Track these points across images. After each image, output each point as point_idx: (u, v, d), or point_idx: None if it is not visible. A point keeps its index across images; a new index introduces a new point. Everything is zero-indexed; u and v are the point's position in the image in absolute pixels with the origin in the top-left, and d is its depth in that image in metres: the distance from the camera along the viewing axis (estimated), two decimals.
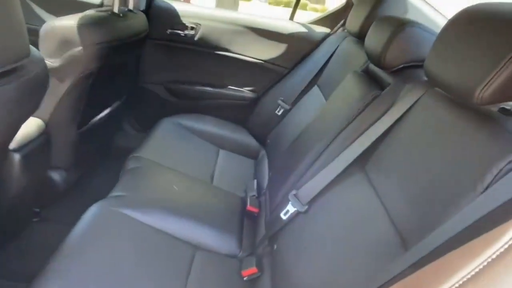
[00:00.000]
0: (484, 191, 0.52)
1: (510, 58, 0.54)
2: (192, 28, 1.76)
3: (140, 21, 1.50)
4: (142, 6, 1.69)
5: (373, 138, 0.85)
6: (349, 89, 1.16)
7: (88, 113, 1.40)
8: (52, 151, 1.28)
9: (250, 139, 1.71)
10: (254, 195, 1.27)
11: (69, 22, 1.13)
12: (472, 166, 0.57)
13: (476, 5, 0.65)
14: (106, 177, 1.33)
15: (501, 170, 0.52)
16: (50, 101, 1.18)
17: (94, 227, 0.95)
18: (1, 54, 0.68)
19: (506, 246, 0.34)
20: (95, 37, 1.18)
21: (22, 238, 1.26)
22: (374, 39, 1.10)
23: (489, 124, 0.61)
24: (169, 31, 1.76)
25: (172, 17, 1.76)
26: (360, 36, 1.35)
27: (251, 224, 1.19)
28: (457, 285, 0.35)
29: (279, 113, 1.65)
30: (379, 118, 0.88)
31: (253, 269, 0.98)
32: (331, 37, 1.74)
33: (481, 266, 0.35)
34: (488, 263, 0.35)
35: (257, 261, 1.00)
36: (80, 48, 1.14)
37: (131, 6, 1.51)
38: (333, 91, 1.26)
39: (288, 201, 0.98)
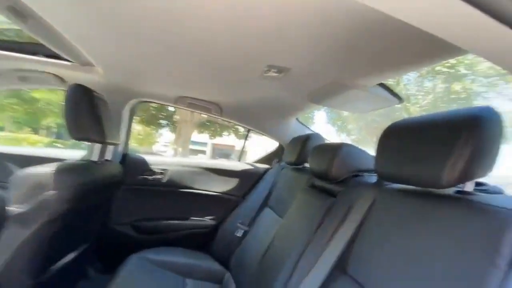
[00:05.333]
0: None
1: (458, 145, 0.48)
2: (160, 173, 1.59)
3: (115, 168, 1.29)
4: (118, 158, 1.53)
5: (344, 241, 0.69)
6: (304, 203, 1.02)
7: (48, 259, 1.00)
8: None
9: (213, 264, 1.37)
10: None
11: (44, 168, 0.90)
12: (474, 246, 0.45)
13: (400, 121, 0.62)
14: None
15: None
16: (4, 251, 0.82)
17: None
18: None
19: None
20: (71, 181, 0.93)
21: None
22: (318, 160, 1.01)
23: (462, 205, 0.50)
24: (140, 177, 1.56)
25: (143, 166, 1.59)
26: (297, 164, 1.31)
27: None
28: None
29: (239, 235, 1.41)
30: (342, 222, 0.73)
31: None
32: (270, 170, 1.70)
33: None
34: None
35: None
36: (53, 192, 0.88)
37: (108, 157, 1.34)
38: (286, 209, 1.11)
39: None
